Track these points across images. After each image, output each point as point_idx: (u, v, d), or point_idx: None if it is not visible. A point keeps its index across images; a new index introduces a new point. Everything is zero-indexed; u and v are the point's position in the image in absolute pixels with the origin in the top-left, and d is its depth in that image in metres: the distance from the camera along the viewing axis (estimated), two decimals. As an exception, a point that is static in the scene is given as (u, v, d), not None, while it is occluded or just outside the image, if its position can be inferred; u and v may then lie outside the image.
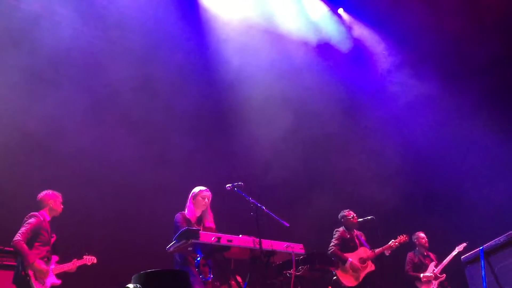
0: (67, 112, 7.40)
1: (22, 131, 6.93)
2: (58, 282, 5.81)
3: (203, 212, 5.56)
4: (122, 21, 7.90)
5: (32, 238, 5.65)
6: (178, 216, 5.45)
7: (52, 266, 5.81)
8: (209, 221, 5.55)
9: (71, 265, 6.02)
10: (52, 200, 5.92)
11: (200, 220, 5.55)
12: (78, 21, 7.68)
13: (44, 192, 5.96)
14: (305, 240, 5.60)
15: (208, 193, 5.58)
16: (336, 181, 9.43)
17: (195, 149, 8.33)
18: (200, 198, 5.53)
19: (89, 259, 6.20)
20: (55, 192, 6.00)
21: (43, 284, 5.62)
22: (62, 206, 6.01)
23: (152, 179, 7.78)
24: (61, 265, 5.94)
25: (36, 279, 5.55)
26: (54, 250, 5.97)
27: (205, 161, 8.52)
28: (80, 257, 6.14)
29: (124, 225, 7.37)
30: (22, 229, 5.60)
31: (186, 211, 5.55)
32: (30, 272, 5.52)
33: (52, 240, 5.93)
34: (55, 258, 5.91)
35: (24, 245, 5.51)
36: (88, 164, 7.46)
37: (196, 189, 5.62)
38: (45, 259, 5.75)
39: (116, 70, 7.77)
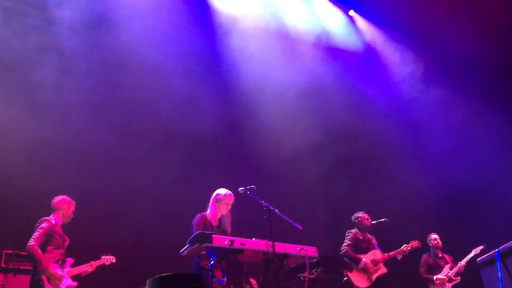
0: (82, 117, 7.50)
1: (42, 138, 7.02)
2: (74, 284, 5.84)
3: (223, 215, 5.58)
4: (134, 36, 7.96)
5: (46, 242, 5.70)
6: (197, 218, 5.45)
7: (67, 269, 5.85)
8: (227, 224, 5.56)
9: (88, 267, 6.06)
10: (66, 206, 5.98)
11: (220, 223, 5.57)
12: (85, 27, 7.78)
13: (60, 197, 6.02)
14: (319, 243, 5.59)
15: (233, 199, 5.57)
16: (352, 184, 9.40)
17: (212, 158, 8.36)
18: (224, 204, 5.53)
19: (108, 259, 6.25)
20: (70, 199, 6.06)
21: None
22: (73, 215, 6.05)
23: (168, 184, 7.81)
24: (77, 267, 5.98)
25: (49, 282, 5.58)
26: (69, 252, 6.01)
27: (222, 170, 8.51)
28: (97, 258, 6.20)
29: (140, 229, 7.41)
30: (35, 234, 5.65)
31: (208, 212, 5.54)
32: (44, 277, 5.55)
33: (66, 243, 5.97)
34: (70, 260, 5.94)
35: (38, 250, 5.56)
36: (107, 169, 7.50)
37: (221, 192, 5.60)
38: (60, 262, 5.80)
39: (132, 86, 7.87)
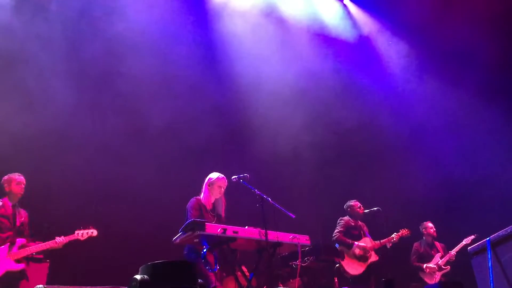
0: (73, 108, 7.42)
1: (38, 129, 6.93)
2: (17, 267, 5.53)
3: (217, 199, 5.60)
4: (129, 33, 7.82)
5: None
6: (192, 202, 5.48)
7: (14, 251, 5.55)
8: (221, 209, 5.59)
9: (51, 244, 5.68)
10: (6, 184, 5.81)
11: (214, 207, 5.59)
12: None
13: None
14: (311, 231, 5.61)
15: (225, 182, 5.59)
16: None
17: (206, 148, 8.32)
18: (216, 187, 5.56)
19: (83, 234, 5.82)
20: (11, 175, 5.84)
21: None
22: (20, 187, 5.79)
23: (163, 177, 7.77)
24: (36, 245, 5.66)
25: None
26: (21, 233, 5.75)
27: (215, 153, 8.49)
28: (65, 234, 5.80)
29: (131, 216, 7.39)
30: None
31: (201, 196, 5.57)
32: None
33: (18, 223, 5.74)
34: (19, 241, 5.63)
35: None
36: (99, 160, 7.41)
37: (214, 175, 5.62)
38: (5, 245, 5.53)
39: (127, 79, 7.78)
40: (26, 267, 5.65)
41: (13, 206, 5.82)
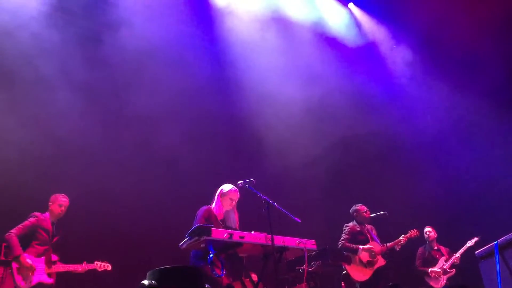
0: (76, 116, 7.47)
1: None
2: (48, 281, 5.83)
3: (228, 211, 5.58)
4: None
5: (29, 237, 5.82)
6: (202, 210, 5.46)
7: (42, 265, 5.82)
8: (234, 222, 5.56)
9: (77, 267, 6.09)
10: (50, 203, 6.13)
11: (225, 218, 5.57)
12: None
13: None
14: (318, 236, 5.59)
15: (237, 195, 5.58)
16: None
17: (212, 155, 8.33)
18: (228, 199, 5.54)
19: (101, 266, 6.28)
20: (57, 195, 6.16)
21: (26, 280, 5.64)
22: (61, 209, 6.11)
23: (169, 183, 7.81)
24: (64, 265, 6.01)
25: (18, 272, 5.61)
26: (54, 249, 6.05)
27: (226, 163, 8.50)
28: (91, 262, 6.22)
29: (139, 222, 7.41)
30: (19, 225, 5.81)
31: (213, 205, 5.56)
32: (14, 265, 5.61)
33: (54, 239, 6.03)
34: (53, 257, 5.96)
35: (14, 238, 5.66)
36: (103, 167, 7.43)
37: (226, 187, 5.61)
38: (43, 257, 5.85)
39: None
40: (54, 283, 5.92)
41: (52, 223, 6.09)
